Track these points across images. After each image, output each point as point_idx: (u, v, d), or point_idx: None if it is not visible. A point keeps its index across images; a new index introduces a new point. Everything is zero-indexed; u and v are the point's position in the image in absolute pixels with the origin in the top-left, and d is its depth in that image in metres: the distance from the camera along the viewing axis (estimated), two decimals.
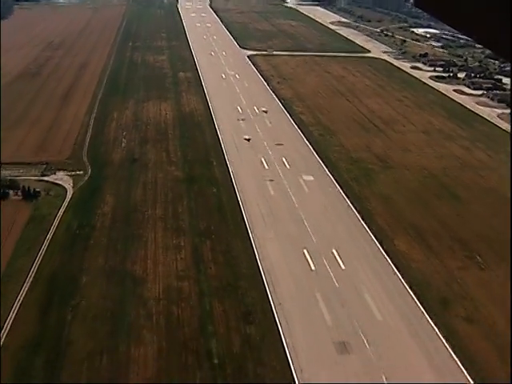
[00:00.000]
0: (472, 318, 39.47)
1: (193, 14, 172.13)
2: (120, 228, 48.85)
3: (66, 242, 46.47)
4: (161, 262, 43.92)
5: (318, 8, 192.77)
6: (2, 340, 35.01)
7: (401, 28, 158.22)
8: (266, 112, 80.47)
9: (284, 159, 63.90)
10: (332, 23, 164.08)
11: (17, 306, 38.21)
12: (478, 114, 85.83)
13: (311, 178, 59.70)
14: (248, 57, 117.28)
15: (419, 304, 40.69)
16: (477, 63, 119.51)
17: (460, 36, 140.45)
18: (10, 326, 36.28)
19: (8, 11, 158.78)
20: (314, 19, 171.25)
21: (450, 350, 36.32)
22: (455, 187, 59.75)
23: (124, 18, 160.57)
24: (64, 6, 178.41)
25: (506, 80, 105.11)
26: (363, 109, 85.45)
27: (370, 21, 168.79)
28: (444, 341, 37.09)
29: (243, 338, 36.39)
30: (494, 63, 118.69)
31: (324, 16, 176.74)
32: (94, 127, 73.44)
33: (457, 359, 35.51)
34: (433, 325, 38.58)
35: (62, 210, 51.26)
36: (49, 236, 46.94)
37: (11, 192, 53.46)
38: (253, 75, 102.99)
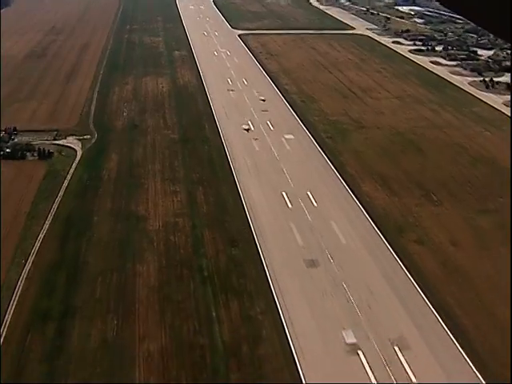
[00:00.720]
0: (421, 241, 47.08)
1: None
2: (124, 179, 56.62)
3: (79, 191, 54.27)
4: (160, 204, 51.64)
5: None
6: (32, 258, 42.93)
7: (386, 6, 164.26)
8: (253, 84, 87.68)
9: (268, 122, 71.31)
10: (320, 3, 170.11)
11: (40, 238, 45.97)
12: (450, 82, 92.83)
13: (292, 137, 67.20)
14: (239, 36, 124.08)
15: (378, 231, 48.45)
16: (455, 37, 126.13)
17: (442, 12, 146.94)
18: (37, 252, 44.10)
19: None
20: None
21: (400, 263, 44.04)
22: (420, 142, 67.14)
23: (121, 3, 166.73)
24: None
25: (480, 52, 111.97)
26: (344, 79, 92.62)
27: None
28: (396, 257, 44.85)
29: (229, 257, 44.13)
30: (473, 37, 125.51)
31: None
32: (97, 100, 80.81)
33: (405, 269, 43.28)
34: (388, 246, 46.24)
35: (73, 166, 58.98)
36: (63, 187, 54.63)
37: (28, 154, 61.19)
38: (243, 52, 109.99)
